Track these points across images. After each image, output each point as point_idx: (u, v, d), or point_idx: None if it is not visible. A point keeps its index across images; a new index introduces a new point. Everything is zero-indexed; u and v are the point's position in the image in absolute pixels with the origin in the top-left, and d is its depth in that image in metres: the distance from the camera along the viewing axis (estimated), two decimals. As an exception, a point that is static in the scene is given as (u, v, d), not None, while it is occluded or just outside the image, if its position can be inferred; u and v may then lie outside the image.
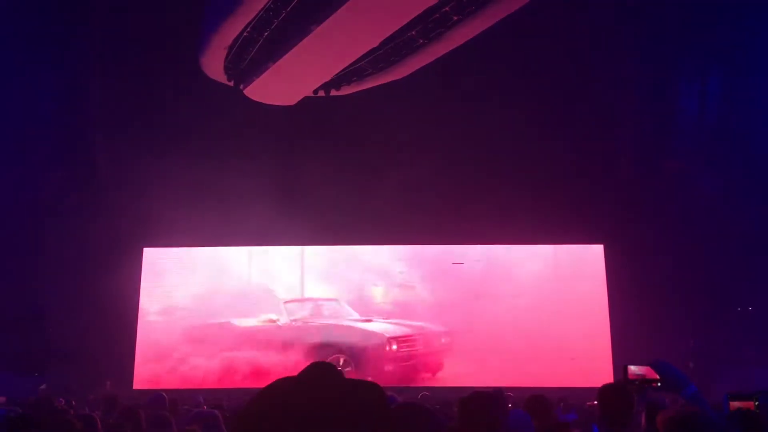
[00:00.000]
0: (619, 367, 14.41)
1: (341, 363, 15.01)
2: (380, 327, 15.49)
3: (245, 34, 11.90)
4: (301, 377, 1.03)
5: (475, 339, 15.47)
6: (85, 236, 14.71)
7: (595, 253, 15.95)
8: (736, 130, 15.18)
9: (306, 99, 14.04)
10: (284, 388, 1.02)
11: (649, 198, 15.26)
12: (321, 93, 13.96)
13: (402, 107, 14.39)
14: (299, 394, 0.99)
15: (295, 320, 15.68)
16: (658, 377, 2.74)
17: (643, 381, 2.87)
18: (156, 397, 6.67)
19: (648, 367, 2.81)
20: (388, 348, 15.23)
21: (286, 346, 15.41)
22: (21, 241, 14.90)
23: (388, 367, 15.07)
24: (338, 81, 13.78)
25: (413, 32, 12.03)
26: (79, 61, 15.24)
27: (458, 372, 15.22)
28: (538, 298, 15.68)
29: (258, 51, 12.47)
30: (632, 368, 2.96)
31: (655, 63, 15.27)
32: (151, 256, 16.17)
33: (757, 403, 3.04)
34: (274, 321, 15.67)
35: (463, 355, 15.41)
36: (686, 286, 14.32)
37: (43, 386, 12.25)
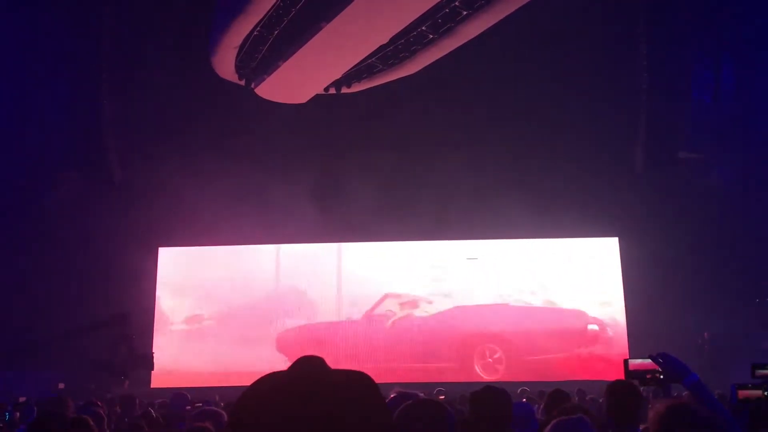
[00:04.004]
0: (636, 359, 14.39)
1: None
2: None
3: (255, 32, 11.94)
4: (288, 372, 1.02)
5: (490, 333, 15.47)
6: (100, 237, 14.82)
7: (610, 245, 15.87)
8: (751, 121, 15.05)
9: (318, 95, 14.11)
10: (271, 383, 1.01)
11: (663, 190, 15.16)
12: (332, 90, 13.98)
13: (415, 106, 14.51)
14: (287, 389, 0.98)
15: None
16: (659, 369, 2.75)
17: (644, 373, 2.87)
18: (177, 396, 6.72)
19: (649, 361, 2.82)
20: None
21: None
22: (34, 242, 15.04)
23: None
24: (349, 78, 13.79)
25: (423, 27, 12.02)
26: (94, 62, 15.34)
27: (473, 367, 15.21)
28: (553, 291, 15.64)
29: (268, 50, 12.51)
30: (632, 362, 2.96)
31: (669, 54, 15.15)
32: (167, 255, 16.26)
33: (765, 393, 3.02)
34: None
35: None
36: (702, 277, 14.21)
37: (61, 386, 12.39)
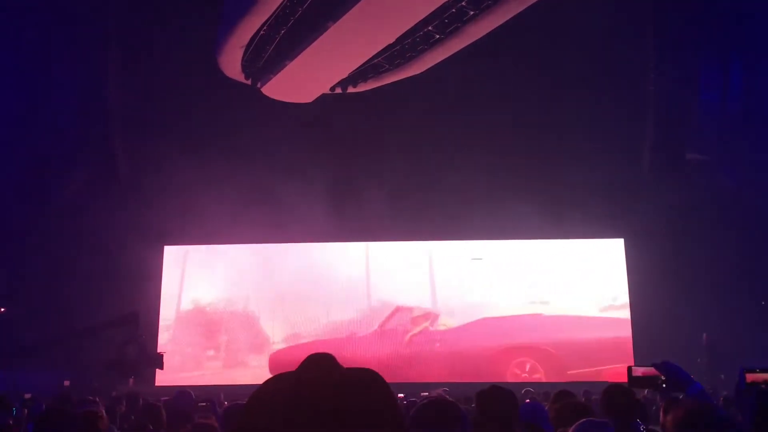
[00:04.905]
0: (641, 359, 14.30)
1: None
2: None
3: (262, 32, 11.94)
4: (298, 371, 1.03)
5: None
6: (107, 235, 14.86)
7: (616, 247, 15.83)
8: (758, 122, 14.98)
9: (327, 95, 14.11)
10: (281, 383, 1.01)
11: (670, 191, 15.09)
12: (338, 90, 13.97)
13: (425, 108, 14.52)
14: (297, 388, 0.98)
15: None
16: (662, 377, 2.76)
17: (647, 380, 2.89)
18: (182, 394, 6.72)
19: (652, 368, 2.83)
20: None
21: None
22: (44, 240, 15.09)
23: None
24: (355, 78, 13.78)
25: (430, 27, 12.00)
26: (101, 63, 15.38)
27: (478, 367, 15.16)
28: (559, 292, 15.60)
29: (275, 49, 12.51)
30: (636, 369, 2.97)
31: (677, 55, 15.09)
32: (172, 254, 16.29)
33: None
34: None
35: (483, 349, 15.37)
36: (707, 279, 14.16)
37: (66, 383, 12.43)
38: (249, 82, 13.68)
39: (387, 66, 13.47)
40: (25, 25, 14.38)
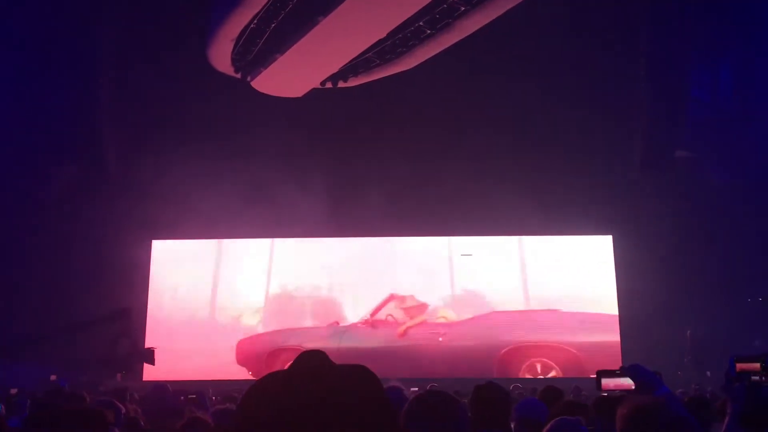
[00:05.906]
0: (629, 356, 14.28)
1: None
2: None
3: (252, 25, 11.89)
4: (291, 368, 1.03)
5: (483, 330, 15.42)
6: (94, 230, 14.78)
7: (604, 243, 15.90)
8: (746, 121, 15.10)
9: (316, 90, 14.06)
10: (275, 379, 1.03)
11: (659, 189, 15.19)
12: (328, 85, 13.94)
13: (417, 106, 14.53)
14: (290, 385, 1.00)
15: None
16: (631, 382, 2.82)
17: (617, 386, 2.95)
18: (157, 386, 6.67)
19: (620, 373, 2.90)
20: None
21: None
22: (33, 235, 14.99)
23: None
24: (345, 73, 13.75)
25: (421, 22, 11.99)
26: (90, 58, 15.25)
27: (467, 363, 15.18)
28: (547, 289, 15.64)
29: (265, 43, 12.47)
30: (605, 378, 3.04)
31: (668, 53, 15.16)
32: (160, 248, 16.22)
33: (764, 365, 3.03)
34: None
35: (471, 346, 15.39)
36: (695, 276, 14.26)
37: (53, 377, 12.35)
38: (239, 75, 13.62)
39: (378, 61, 13.45)
40: (17, 20, 14.23)
